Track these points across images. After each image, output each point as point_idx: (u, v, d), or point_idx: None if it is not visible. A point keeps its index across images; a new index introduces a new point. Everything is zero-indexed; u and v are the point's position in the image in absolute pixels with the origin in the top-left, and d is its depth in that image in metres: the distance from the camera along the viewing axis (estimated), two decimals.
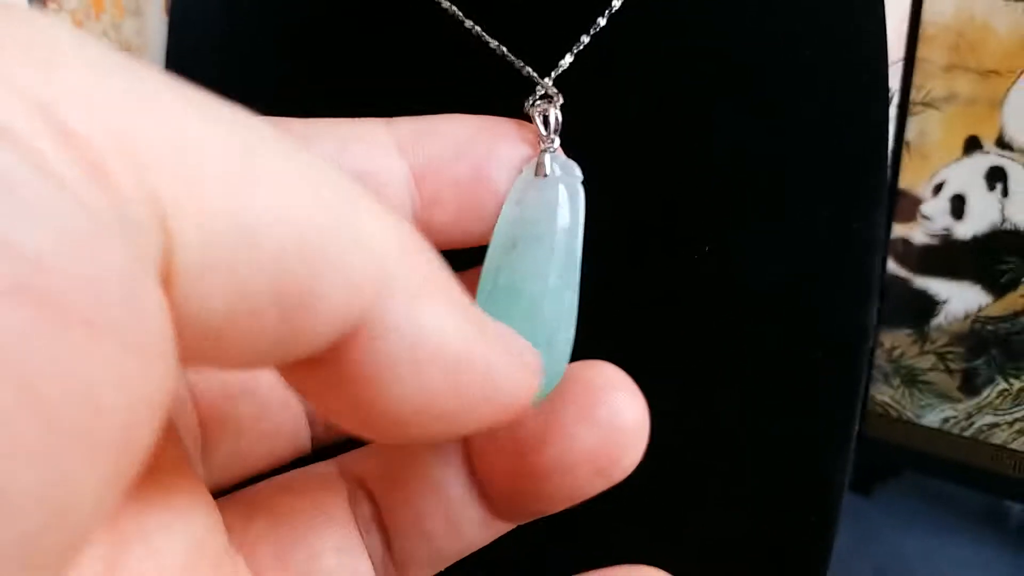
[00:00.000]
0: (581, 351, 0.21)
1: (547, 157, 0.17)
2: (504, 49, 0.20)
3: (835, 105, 0.23)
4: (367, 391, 0.11)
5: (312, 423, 0.16)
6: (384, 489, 0.15)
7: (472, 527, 0.15)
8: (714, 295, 0.22)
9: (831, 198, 0.23)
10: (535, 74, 0.19)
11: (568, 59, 0.20)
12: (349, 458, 0.16)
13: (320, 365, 0.10)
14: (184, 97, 0.09)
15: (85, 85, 0.08)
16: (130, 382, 0.08)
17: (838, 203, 0.23)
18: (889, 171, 0.43)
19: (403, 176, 0.15)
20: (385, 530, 0.15)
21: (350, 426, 0.12)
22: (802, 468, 0.23)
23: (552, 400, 0.14)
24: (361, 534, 0.15)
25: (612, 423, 0.13)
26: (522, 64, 0.19)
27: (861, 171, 0.23)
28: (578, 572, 0.15)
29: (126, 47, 0.35)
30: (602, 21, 0.21)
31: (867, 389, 0.47)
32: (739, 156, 0.23)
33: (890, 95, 0.42)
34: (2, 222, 0.07)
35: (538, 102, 0.19)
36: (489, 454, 0.15)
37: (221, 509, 0.14)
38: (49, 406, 0.07)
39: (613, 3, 0.21)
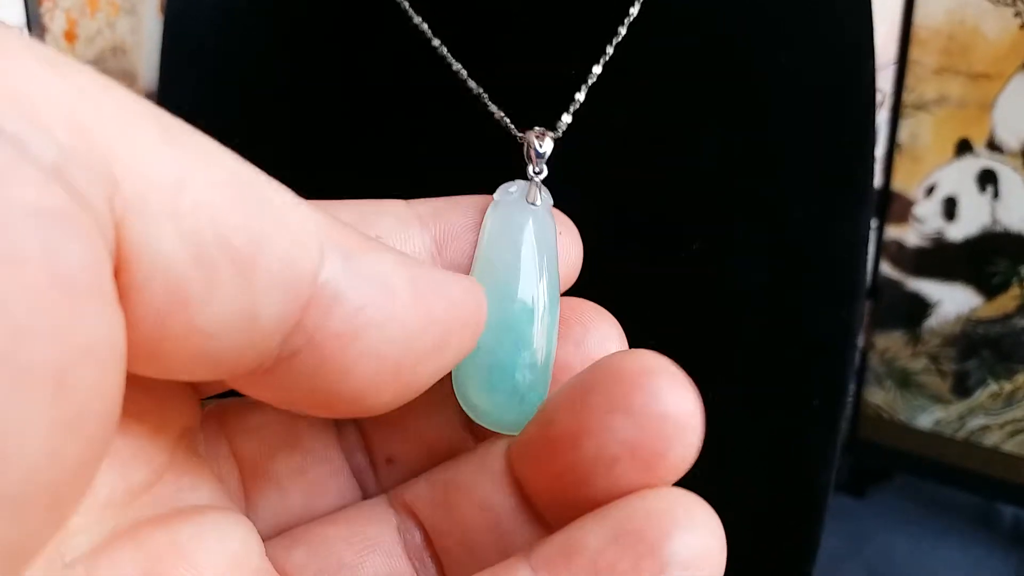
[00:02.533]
0: None
1: (533, 187, 0.18)
2: (489, 102, 0.20)
3: (819, 106, 0.23)
4: (348, 351, 0.11)
5: (358, 473, 0.16)
6: (432, 514, 0.14)
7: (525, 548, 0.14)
8: (699, 295, 0.23)
9: (815, 198, 0.23)
10: (517, 132, 0.19)
11: (567, 119, 0.20)
12: (398, 488, 0.15)
13: (294, 359, 0.11)
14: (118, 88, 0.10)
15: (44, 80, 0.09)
16: (56, 316, 0.08)
17: (822, 203, 0.23)
18: (882, 173, 0.43)
19: (424, 247, 0.16)
20: (438, 558, 0.14)
21: (335, 406, 0.12)
22: (788, 463, 0.23)
23: (585, 392, 0.13)
24: (413, 564, 0.14)
25: (649, 410, 0.12)
26: (509, 123, 0.20)
27: (846, 170, 0.23)
28: None
29: (120, 45, 0.35)
30: (597, 69, 0.22)
31: (859, 391, 0.47)
32: (724, 158, 0.23)
33: (882, 98, 0.42)
34: None
35: (528, 133, 0.19)
36: (529, 461, 0.14)
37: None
38: None
39: (607, 50, 0.22)
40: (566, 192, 0.22)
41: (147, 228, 0.09)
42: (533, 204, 0.18)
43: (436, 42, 0.21)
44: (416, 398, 0.14)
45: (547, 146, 0.20)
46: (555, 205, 0.19)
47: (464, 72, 0.21)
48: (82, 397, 0.08)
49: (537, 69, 0.22)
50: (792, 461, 0.23)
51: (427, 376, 0.12)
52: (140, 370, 0.10)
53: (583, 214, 0.22)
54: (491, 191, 0.18)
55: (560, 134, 0.20)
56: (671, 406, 0.12)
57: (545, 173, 0.19)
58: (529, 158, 0.19)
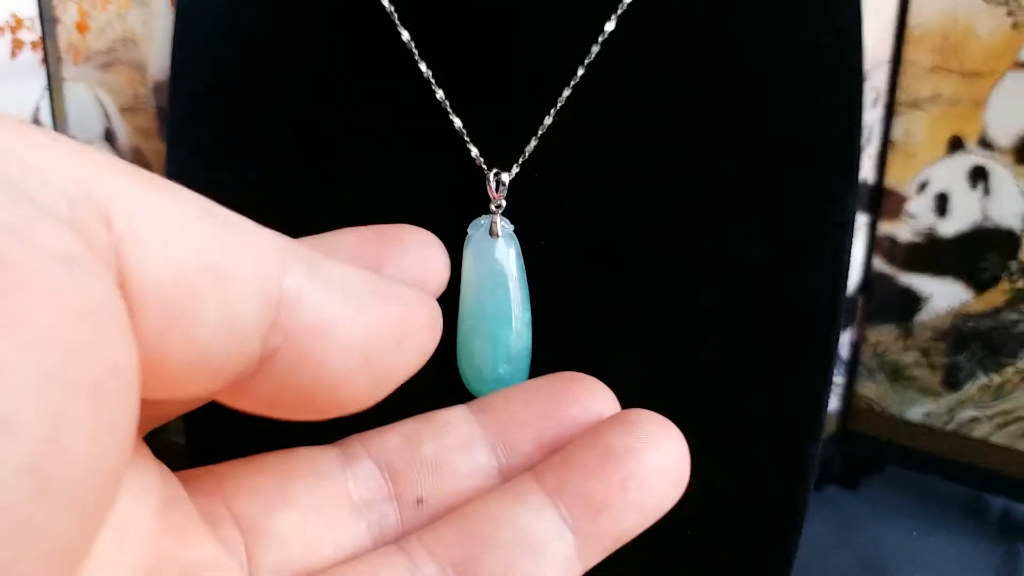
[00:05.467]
0: (573, 325, 0.23)
1: (497, 220, 0.22)
2: (464, 132, 0.22)
3: (806, 94, 0.24)
4: (320, 343, 0.13)
5: (379, 518, 0.18)
6: (462, 549, 0.16)
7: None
8: (686, 276, 0.23)
9: (800, 181, 0.23)
10: (484, 165, 0.22)
11: (533, 143, 0.23)
12: (420, 533, 0.17)
13: (275, 357, 0.13)
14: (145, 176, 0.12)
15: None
16: (91, 339, 0.10)
17: (808, 187, 0.24)
18: (875, 170, 0.44)
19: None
20: None
21: (316, 401, 0.14)
22: (775, 435, 0.24)
23: (633, 428, 0.18)
24: None
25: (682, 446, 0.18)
26: (482, 161, 0.22)
27: (832, 156, 0.24)
28: None
29: (131, 36, 0.36)
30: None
31: (851, 384, 0.48)
32: (709, 144, 0.24)
33: (876, 96, 0.43)
34: None
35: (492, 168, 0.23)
36: (585, 478, 0.17)
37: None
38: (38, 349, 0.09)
39: (577, 71, 0.23)
40: (553, 185, 0.23)
41: (139, 255, 0.11)
42: (497, 235, 0.22)
43: (422, 64, 0.23)
44: (450, 439, 0.17)
45: (506, 180, 0.23)
46: (547, 200, 0.23)
47: (447, 103, 0.23)
48: (113, 407, 0.10)
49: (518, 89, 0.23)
50: (779, 433, 0.24)
51: (395, 370, 0.15)
52: (149, 389, 0.12)
53: (575, 205, 0.23)
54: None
55: (524, 159, 0.24)
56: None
57: (504, 206, 0.23)
58: (491, 194, 0.23)
